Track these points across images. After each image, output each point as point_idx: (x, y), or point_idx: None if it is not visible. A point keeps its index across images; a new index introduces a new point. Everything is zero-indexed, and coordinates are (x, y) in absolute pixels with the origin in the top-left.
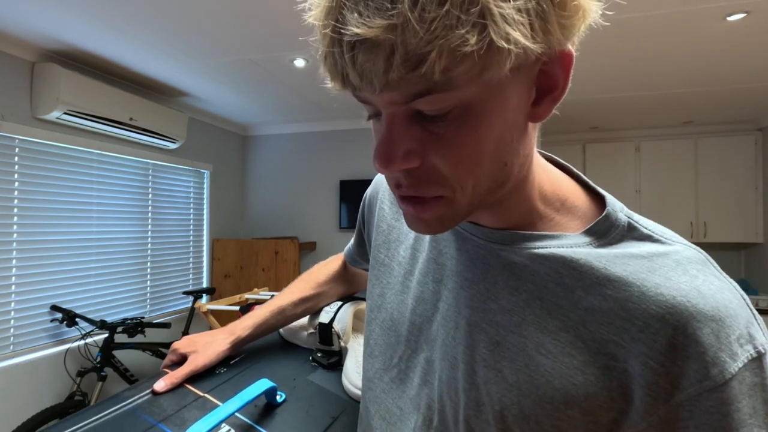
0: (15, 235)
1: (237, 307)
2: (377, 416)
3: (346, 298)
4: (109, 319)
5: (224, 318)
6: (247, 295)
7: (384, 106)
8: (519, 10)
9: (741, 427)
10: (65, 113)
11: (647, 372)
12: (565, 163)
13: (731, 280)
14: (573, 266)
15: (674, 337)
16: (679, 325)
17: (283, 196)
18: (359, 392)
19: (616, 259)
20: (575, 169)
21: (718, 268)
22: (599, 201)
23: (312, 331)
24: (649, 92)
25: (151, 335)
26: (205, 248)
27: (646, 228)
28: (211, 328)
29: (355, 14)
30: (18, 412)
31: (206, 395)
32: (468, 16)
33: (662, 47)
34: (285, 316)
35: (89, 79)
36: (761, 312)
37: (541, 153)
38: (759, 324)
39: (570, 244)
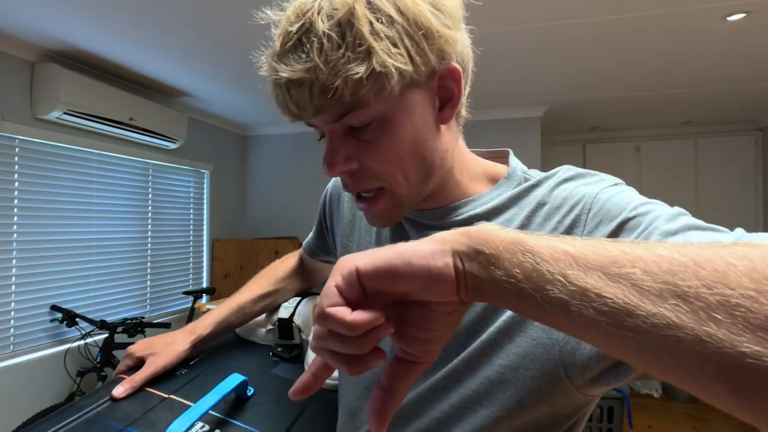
0: (15, 235)
1: None
2: (360, 386)
3: (303, 294)
4: (109, 319)
5: None
6: None
7: (323, 126)
8: (395, 45)
9: (633, 208)
10: (65, 113)
11: None
12: (503, 150)
13: (596, 175)
14: (495, 211)
15: (588, 212)
16: (586, 204)
17: (283, 196)
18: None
19: (521, 194)
20: (510, 152)
21: (583, 172)
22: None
23: (270, 327)
24: (649, 92)
25: (151, 335)
26: (205, 248)
27: (534, 177)
28: None
29: (283, 65)
30: (18, 412)
31: (172, 396)
32: (357, 55)
33: (662, 47)
34: (244, 314)
35: (89, 79)
36: None
37: (488, 151)
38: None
39: (487, 200)
